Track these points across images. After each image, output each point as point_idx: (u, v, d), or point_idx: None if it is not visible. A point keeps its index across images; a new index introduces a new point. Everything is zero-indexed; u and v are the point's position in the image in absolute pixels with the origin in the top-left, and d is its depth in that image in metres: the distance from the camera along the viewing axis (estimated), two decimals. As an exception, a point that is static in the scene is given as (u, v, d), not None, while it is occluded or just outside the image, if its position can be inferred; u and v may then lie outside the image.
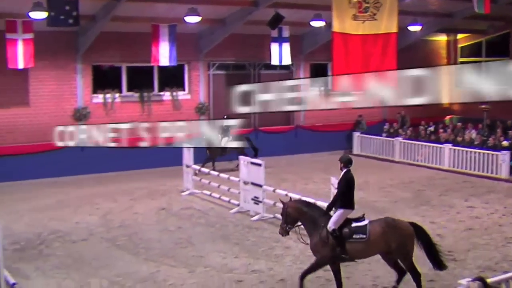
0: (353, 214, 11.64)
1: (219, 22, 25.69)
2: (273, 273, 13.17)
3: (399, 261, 11.60)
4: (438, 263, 11.58)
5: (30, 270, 13.65)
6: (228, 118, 24.86)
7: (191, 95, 27.29)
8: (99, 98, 25.32)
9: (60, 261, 14.29)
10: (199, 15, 22.95)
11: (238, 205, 18.77)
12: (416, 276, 11.44)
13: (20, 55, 22.14)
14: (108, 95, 25.44)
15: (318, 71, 30.67)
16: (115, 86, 25.90)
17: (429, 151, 26.57)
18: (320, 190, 21.04)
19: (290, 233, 12.06)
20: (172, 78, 27.15)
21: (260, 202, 17.78)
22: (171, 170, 23.61)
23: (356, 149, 30.04)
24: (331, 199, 12.03)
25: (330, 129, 30.25)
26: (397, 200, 20.22)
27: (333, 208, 11.58)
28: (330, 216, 11.51)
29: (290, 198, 12.76)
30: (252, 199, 18.09)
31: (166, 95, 26.77)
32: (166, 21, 24.22)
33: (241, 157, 18.80)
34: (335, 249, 11.29)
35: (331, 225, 11.28)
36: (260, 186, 17.74)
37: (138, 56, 25.45)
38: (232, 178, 19.49)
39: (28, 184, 22.85)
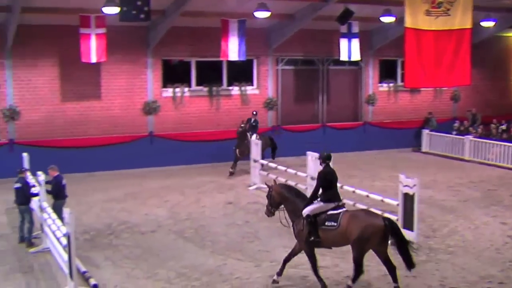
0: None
1: (289, 17, 25.65)
2: (338, 270, 13.11)
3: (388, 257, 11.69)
4: (408, 261, 11.64)
5: (100, 259, 13.97)
6: (256, 114, 25.01)
7: (259, 90, 27.35)
8: (168, 92, 25.64)
9: (129, 251, 14.56)
10: (268, 10, 22.95)
11: (305, 200, 18.72)
12: (391, 270, 11.61)
13: (93, 49, 22.60)
14: (177, 89, 25.72)
15: (388, 67, 30.34)
16: (185, 80, 26.16)
17: (501, 150, 25.96)
18: (388, 187, 20.83)
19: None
20: (241, 72, 27.25)
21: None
22: (238, 165, 23.75)
23: (425, 147, 29.59)
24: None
25: (399, 126, 29.89)
26: (466, 199, 19.82)
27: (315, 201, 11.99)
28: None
29: (275, 181, 13.45)
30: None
31: (235, 90, 26.89)
32: (235, 16, 24.33)
33: (309, 153, 18.71)
34: (310, 235, 11.74)
35: (305, 211, 11.80)
36: (327, 182, 17.62)
37: (208, 51, 25.65)
38: (299, 173, 19.48)
39: (98, 176, 23.36)
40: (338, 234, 11.58)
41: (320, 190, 12.08)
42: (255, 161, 21.44)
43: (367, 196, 16.77)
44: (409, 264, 11.62)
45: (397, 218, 14.97)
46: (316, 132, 28.12)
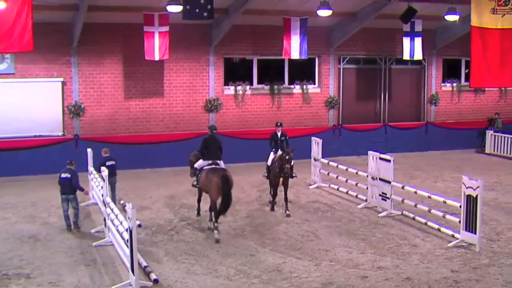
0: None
1: (351, 15, 25.51)
2: (399, 271, 12.98)
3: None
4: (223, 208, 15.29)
5: (161, 254, 14.15)
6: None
7: (321, 88, 27.27)
8: (230, 89, 25.80)
9: (189, 247, 14.71)
10: (330, 9, 22.83)
11: (366, 200, 18.62)
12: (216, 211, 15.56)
13: (157, 47, 22.91)
14: (239, 87, 25.88)
15: (451, 67, 29.87)
16: (246, 78, 26.28)
17: None
18: (450, 189, 20.54)
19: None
20: (303, 71, 27.24)
21: (388, 198, 17.54)
22: (299, 163, 23.70)
23: (489, 148, 29.01)
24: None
25: (462, 127, 29.40)
26: (532, 202, 19.37)
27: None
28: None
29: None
30: (380, 195, 17.89)
31: (296, 88, 26.89)
32: (297, 14, 24.31)
33: (371, 152, 18.58)
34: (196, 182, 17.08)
35: (196, 166, 16.93)
36: (389, 182, 17.50)
37: (269, 49, 25.72)
38: (360, 172, 19.36)
39: (161, 172, 23.67)
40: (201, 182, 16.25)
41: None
42: (316, 160, 21.39)
43: (429, 197, 16.54)
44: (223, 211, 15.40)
45: (459, 220, 14.74)
46: (378, 132, 27.90)
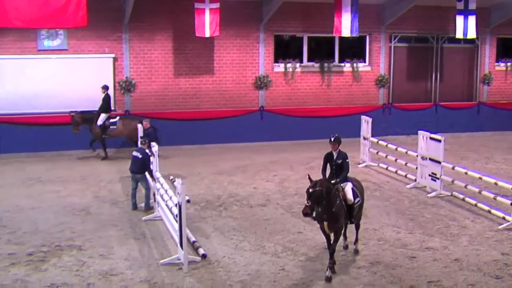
0: None
1: (403, -7, 25.17)
2: (447, 252, 12.87)
3: None
4: None
5: (209, 230, 14.28)
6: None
7: (371, 67, 26.99)
8: (280, 67, 25.73)
9: (237, 223, 14.80)
10: (383, -14, 22.56)
11: (415, 180, 18.46)
12: None
13: (207, 24, 22.92)
14: (289, 65, 25.77)
15: (506, 46, 29.23)
16: (296, 55, 26.16)
17: None
18: (502, 170, 20.25)
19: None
20: (353, 49, 26.98)
21: (438, 178, 17.35)
22: (347, 142, 23.59)
23: (544, 129, 28.39)
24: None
25: (516, 107, 28.82)
26: None
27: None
28: None
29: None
30: (430, 175, 17.70)
31: (347, 66, 26.65)
32: (349, -9, 24.06)
33: (421, 132, 18.37)
34: None
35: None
36: (439, 162, 17.29)
37: (320, 26, 25.51)
38: (409, 152, 19.18)
39: (209, 149, 23.82)
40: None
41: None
42: (365, 138, 21.25)
43: (480, 178, 16.31)
44: None
45: (511, 202, 14.51)
46: (428, 111, 27.54)
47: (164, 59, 24.25)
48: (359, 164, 21.18)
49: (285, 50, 26.26)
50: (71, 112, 22.19)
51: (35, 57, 23.04)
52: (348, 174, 12.51)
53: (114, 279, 11.49)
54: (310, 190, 11.15)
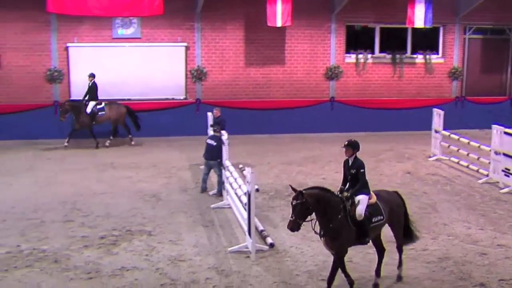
0: None
1: (479, -18, 24.60)
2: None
3: None
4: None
5: (277, 220, 14.33)
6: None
7: (444, 59, 26.47)
8: (351, 58, 25.53)
9: (305, 214, 14.77)
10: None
11: (487, 175, 18.06)
12: None
13: (279, 13, 22.90)
14: (360, 55, 25.55)
15: None
16: (368, 46, 25.90)
17: None
18: None
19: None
20: (426, 40, 26.52)
21: (511, 174, 16.96)
22: (418, 135, 23.35)
23: None
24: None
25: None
26: None
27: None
28: None
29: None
30: (503, 171, 17.30)
31: (419, 58, 26.22)
32: (423, -18, 23.67)
33: (495, 126, 17.95)
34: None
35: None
36: (513, 157, 16.91)
37: (392, 17, 25.16)
38: (482, 146, 18.79)
39: (279, 138, 23.84)
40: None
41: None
42: (437, 131, 20.92)
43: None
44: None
45: None
46: (503, 105, 26.83)
47: (235, 48, 24.39)
48: (430, 157, 20.86)
49: (356, 40, 26.03)
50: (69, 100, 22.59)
51: (109, 45, 23.53)
52: (391, 188, 11.83)
53: (183, 265, 11.67)
54: (292, 202, 9.96)
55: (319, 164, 19.86)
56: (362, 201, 10.43)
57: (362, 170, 10.66)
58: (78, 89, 23.23)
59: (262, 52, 24.60)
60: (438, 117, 20.89)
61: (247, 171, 11.92)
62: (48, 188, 17.04)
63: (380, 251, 11.16)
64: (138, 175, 18.51)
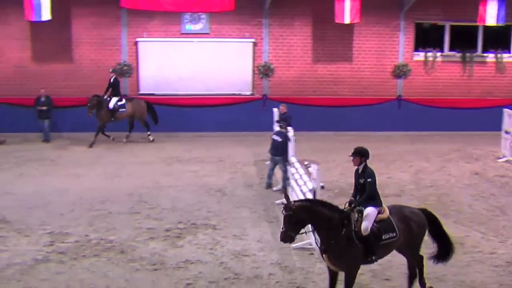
0: None
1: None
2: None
3: None
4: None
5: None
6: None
7: (517, 58, 25.87)
8: (420, 56, 25.16)
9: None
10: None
11: (560, 178, 17.59)
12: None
13: (347, 10, 22.76)
14: (429, 53, 25.16)
15: None
16: (437, 44, 25.48)
17: None
18: None
19: None
20: (497, 38, 25.91)
21: None
22: (486, 135, 22.87)
23: None
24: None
25: None
26: None
27: None
28: None
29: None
30: None
31: (490, 57, 25.65)
32: (496, -22, 23.13)
33: None
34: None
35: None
36: None
37: (463, 14, 24.68)
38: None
39: (344, 136, 23.63)
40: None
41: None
42: (507, 132, 20.44)
43: None
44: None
45: None
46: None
47: (302, 45, 24.36)
48: (499, 158, 20.39)
49: (425, 38, 25.63)
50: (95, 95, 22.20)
51: (178, 40, 23.81)
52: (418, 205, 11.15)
53: (246, 259, 11.73)
54: (283, 212, 9.39)
55: (384, 163, 19.64)
56: (369, 215, 9.62)
57: (369, 180, 9.85)
58: (147, 83, 23.67)
59: (330, 49, 24.50)
60: (508, 117, 20.40)
61: (313, 168, 11.90)
62: (116, 180, 17.39)
63: (418, 266, 10.30)
64: (204, 169, 18.68)
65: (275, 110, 19.67)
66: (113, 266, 11.42)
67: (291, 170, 15.19)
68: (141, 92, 23.76)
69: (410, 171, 18.76)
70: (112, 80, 22.29)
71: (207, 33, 23.93)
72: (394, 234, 9.68)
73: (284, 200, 9.38)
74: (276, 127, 17.96)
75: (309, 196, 12.18)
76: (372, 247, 9.53)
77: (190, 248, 12.31)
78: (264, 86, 24.30)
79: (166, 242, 12.60)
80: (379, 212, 9.71)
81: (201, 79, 23.86)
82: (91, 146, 21.70)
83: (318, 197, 11.70)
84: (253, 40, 24.04)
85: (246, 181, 17.37)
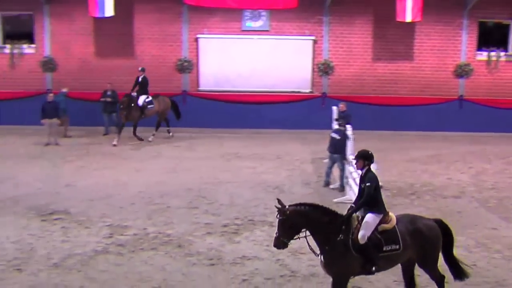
0: None
1: None
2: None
3: None
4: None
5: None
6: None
7: None
8: (483, 55, 24.71)
9: (430, 213, 14.29)
10: None
11: None
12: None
13: (409, 8, 22.47)
14: (493, 53, 24.67)
15: None
16: (501, 43, 24.95)
17: None
18: None
19: None
20: None
21: None
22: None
23: None
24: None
25: None
26: None
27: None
28: None
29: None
30: None
31: None
32: None
33: None
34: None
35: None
36: None
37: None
38: None
39: (404, 135, 23.46)
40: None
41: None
42: None
43: None
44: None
45: None
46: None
47: (363, 43, 24.20)
48: None
49: (489, 37, 25.12)
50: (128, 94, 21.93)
51: (238, 37, 23.92)
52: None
53: (303, 257, 11.70)
54: (277, 217, 9.10)
55: (444, 164, 19.38)
56: (368, 222, 9.07)
57: (368, 184, 9.24)
58: (207, 80, 23.89)
59: (390, 48, 24.27)
60: None
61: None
62: (175, 175, 17.58)
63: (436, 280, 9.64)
64: (262, 166, 18.73)
65: (334, 108, 19.60)
66: (171, 260, 11.54)
67: (349, 168, 15.11)
68: (200, 88, 23.97)
69: (471, 173, 18.45)
70: (140, 79, 22.19)
71: (267, 30, 24.00)
72: (397, 247, 9.07)
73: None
74: (335, 125, 17.88)
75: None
76: (371, 258, 9.00)
77: (247, 244, 12.36)
78: (323, 84, 24.21)
79: (223, 237, 12.67)
80: (383, 221, 9.17)
81: (260, 76, 23.93)
82: (114, 145, 21.25)
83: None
84: (313, 37, 23.99)
85: (304, 178, 17.35)
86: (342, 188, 15.92)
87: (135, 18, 23.88)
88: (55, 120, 21.33)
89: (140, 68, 22.32)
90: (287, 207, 9.06)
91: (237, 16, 23.75)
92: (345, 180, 15.77)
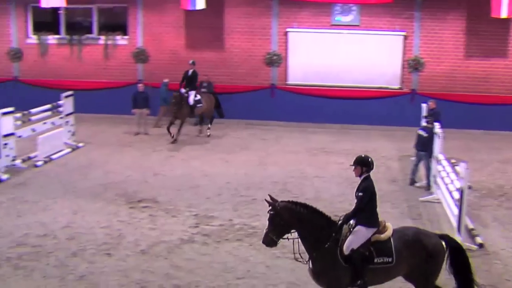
0: None
1: None
2: None
3: None
4: None
5: (488, 219, 13.84)
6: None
7: None
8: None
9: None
10: None
11: None
12: None
13: (505, 3, 21.80)
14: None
15: None
16: None
17: None
18: None
19: None
20: None
21: None
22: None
23: None
24: None
25: None
26: None
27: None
28: None
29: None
30: None
31: None
32: None
33: None
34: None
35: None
36: None
37: None
38: None
39: (495, 135, 22.79)
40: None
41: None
42: None
43: None
44: None
45: None
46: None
47: (454, 39, 23.66)
48: None
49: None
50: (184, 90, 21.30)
51: (327, 31, 23.83)
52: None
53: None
54: (268, 212, 8.74)
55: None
56: (356, 232, 8.63)
57: (360, 194, 8.74)
58: (295, 73, 23.94)
59: (483, 44, 23.61)
60: None
61: (461, 167, 11.61)
62: (261, 168, 17.75)
63: None
64: (349, 161, 18.40)
65: (424, 105, 19.31)
66: (255, 252, 11.68)
67: (437, 167, 14.88)
68: (289, 82, 24.04)
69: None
70: (190, 73, 21.59)
71: (357, 25, 23.80)
72: (390, 259, 8.54)
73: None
74: (423, 123, 17.62)
75: (456, 195, 11.89)
76: (358, 270, 8.53)
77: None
78: (413, 81, 23.85)
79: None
80: (376, 232, 8.72)
81: (349, 71, 23.78)
82: (173, 142, 20.67)
83: (465, 197, 11.41)
84: (404, 33, 23.64)
85: (390, 176, 17.18)
86: (428, 187, 15.69)
87: (225, 11, 24.15)
88: (145, 110, 21.83)
89: (190, 61, 21.81)
90: (278, 202, 8.73)
91: (327, 10, 23.66)
92: (432, 179, 15.54)
